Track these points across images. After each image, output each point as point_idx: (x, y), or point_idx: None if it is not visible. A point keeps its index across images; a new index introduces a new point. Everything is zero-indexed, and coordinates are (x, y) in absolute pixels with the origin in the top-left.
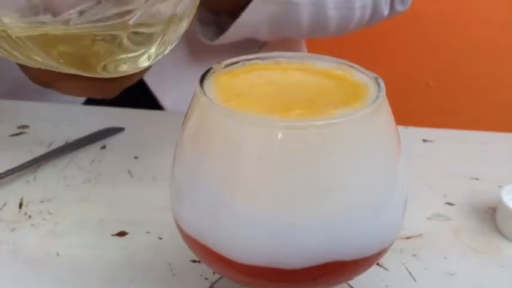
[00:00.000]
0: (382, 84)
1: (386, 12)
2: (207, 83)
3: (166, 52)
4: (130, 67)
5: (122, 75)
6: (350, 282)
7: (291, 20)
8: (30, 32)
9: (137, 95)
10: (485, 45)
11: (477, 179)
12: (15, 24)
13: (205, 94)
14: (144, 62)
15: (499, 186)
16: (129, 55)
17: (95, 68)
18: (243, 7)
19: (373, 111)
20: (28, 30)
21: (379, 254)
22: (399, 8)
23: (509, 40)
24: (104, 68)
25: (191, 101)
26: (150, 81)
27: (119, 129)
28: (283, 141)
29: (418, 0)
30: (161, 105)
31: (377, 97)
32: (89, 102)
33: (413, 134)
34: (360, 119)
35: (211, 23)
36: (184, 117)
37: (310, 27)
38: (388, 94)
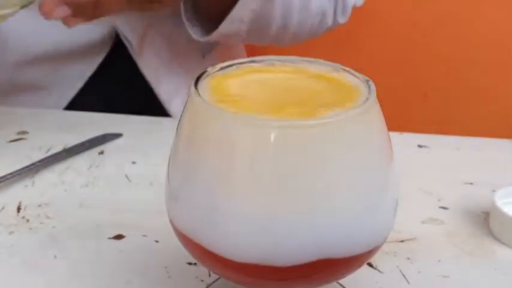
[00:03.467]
0: (373, 86)
1: (330, 22)
2: (202, 84)
3: None
4: None
5: None
6: (345, 284)
7: (266, 19)
8: None
9: (144, 103)
10: (483, 57)
11: (471, 183)
12: None
13: (199, 95)
14: None
15: (493, 191)
16: None
17: None
18: (229, 7)
19: (363, 111)
20: None
21: (370, 252)
22: (340, 19)
23: (506, 52)
24: None
25: (186, 102)
26: (159, 89)
27: (117, 135)
28: (275, 141)
29: (417, 12)
30: (168, 113)
31: (367, 98)
32: (86, 108)
33: (408, 139)
34: (351, 119)
35: (197, 24)
36: (180, 118)
37: (277, 28)
38: (386, 103)
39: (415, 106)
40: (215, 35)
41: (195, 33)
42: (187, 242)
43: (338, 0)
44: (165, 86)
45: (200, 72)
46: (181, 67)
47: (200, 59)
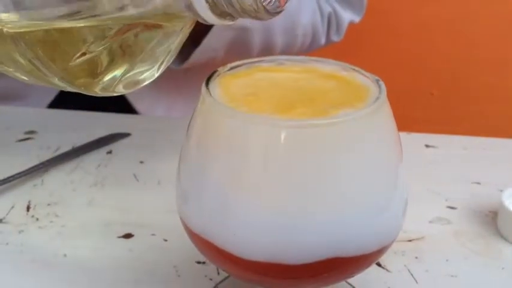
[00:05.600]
0: (383, 86)
1: (323, 41)
2: (213, 84)
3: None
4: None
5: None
6: (353, 284)
7: (245, 44)
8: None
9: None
10: (488, 56)
11: (478, 183)
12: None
13: (210, 95)
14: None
15: (500, 190)
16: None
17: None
18: (203, 33)
19: (374, 111)
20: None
21: (380, 251)
22: (334, 38)
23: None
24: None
25: (198, 102)
26: (136, 103)
27: (125, 135)
28: (285, 140)
29: (424, 11)
30: (134, 108)
31: (378, 98)
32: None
33: (416, 139)
34: (361, 119)
35: None
36: (191, 118)
37: (260, 51)
38: (392, 102)
39: (421, 105)
40: (186, 65)
41: None
42: (198, 240)
43: (332, 20)
44: (144, 100)
45: (183, 86)
46: (162, 81)
47: (182, 74)
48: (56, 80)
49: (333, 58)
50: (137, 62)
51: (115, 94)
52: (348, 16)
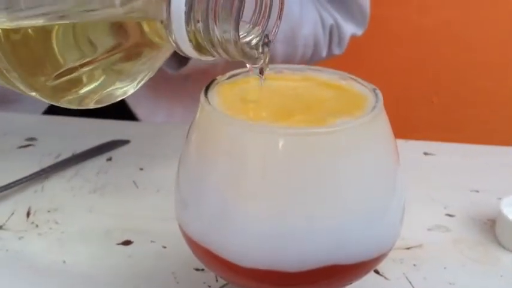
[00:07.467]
0: (380, 95)
1: (324, 53)
2: (212, 92)
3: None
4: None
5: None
6: None
7: None
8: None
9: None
10: (489, 63)
11: (477, 191)
12: None
13: (209, 103)
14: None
15: (499, 199)
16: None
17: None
18: None
19: (371, 119)
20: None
21: (378, 259)
22: (336, 50)
23: None
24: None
25: (197, 109)
26: (136, 109)
27: (124, 142)
28: (283, 148)
29: (424, 18)
30: (134, 114)
31: (375, 107)
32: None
33: (414, 147)
34: (359, 127)
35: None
36: (190, 125)
37: None
38: (393, 109)
39: (421, 112)
40: (185, 70)
41: (167, 65)
42: (197, 247)
43: (333, 32)
44: (144, 106)
45: (183, 92)
46: (162, 88)
47: (182, 81)
48: (23, 88)
49: (333, 64)
50: (117, 80)
51: (89, 107)
52: (350, 29)
